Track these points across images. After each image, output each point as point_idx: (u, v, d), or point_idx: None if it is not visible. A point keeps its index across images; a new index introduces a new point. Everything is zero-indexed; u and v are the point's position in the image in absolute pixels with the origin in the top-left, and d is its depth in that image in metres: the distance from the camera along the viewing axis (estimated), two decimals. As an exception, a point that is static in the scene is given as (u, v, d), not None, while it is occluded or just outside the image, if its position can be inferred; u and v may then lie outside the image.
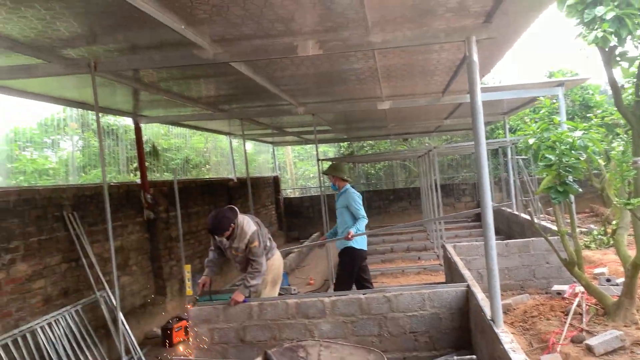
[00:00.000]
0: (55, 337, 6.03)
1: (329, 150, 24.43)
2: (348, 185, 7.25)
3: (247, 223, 5.83)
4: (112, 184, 8.03)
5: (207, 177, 12.99)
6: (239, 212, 5.88)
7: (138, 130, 8.91)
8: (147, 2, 3.38)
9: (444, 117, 12.28)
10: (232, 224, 5.68)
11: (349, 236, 6.82)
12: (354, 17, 3.99)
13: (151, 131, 10.64)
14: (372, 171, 21.16)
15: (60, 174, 8.76)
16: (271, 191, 18.12)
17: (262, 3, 3.58)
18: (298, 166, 26.11)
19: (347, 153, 21.32)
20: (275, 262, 6.18)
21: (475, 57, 4.15)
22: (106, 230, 7.54)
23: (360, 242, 7.05)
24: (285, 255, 11.17)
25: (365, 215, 7.05)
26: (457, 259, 7.22)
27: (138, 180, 8.90)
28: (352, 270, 7.04)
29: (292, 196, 21.13)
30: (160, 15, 3.56)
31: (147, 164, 9.27)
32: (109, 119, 9.66)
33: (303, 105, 8.64)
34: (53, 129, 8.74)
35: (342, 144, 21.56)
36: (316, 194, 19.55)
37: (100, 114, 9.56)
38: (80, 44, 4.39)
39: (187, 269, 7.89)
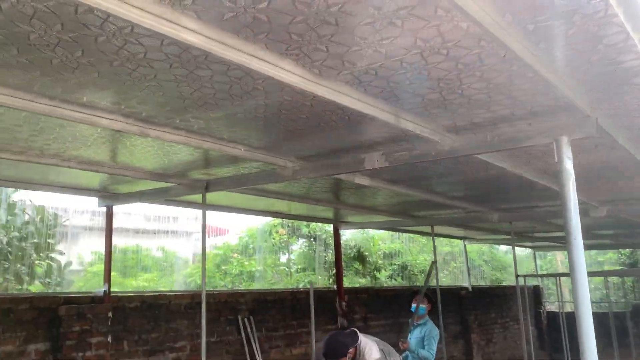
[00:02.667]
0: None
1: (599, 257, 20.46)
2: (428, 317, 6.33)
3: (369, 350, 5.22)
4: (299, 289, 8.30)
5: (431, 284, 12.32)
6: (361, 336, 5.33)
7: (337, 236, 9.13)
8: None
9: None
10: (349, 351, 5.16)
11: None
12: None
13: (362, 236, 10.80)
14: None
15: (266, 276, 9.52)
16: (530, 302, 16.07)
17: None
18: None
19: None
20: None
21: (568, 164, 3.09)
22: (289, 336, 7.80)
23: None
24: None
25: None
26: None
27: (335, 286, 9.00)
28: None
29: (559, 310, 18.27)
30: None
31: (351, 268, 9.37)
32: (317, 226, 10.20)
33: (497, 212, 7.65)
34: (263, 235, 9.69)
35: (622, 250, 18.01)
36: (600, 310, 16.48)
37: (305, 222, 10.21)
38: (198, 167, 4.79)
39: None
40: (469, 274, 12.62)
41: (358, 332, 5.33)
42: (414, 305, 6.33)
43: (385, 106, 3.15)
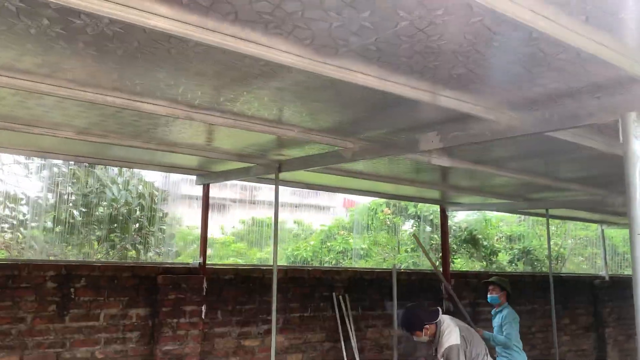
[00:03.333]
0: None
1: None
2: (507, 304, 6.31)
3: (449, 333, 4.94)
4: (400, 270, 8.14)
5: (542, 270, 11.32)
6: (444, 317, 5.06)
7: (443, 217, 8.76)
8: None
9: None
10: (425, 326, 4.95)
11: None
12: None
13: (475, 218, 10.19)
14: None
15: (371, 255, 9.43)
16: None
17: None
18: None
19: None
20: None
21: (636, 145, 2.62)
22: (386, 317, 7.72)
23: None
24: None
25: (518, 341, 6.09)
26: None
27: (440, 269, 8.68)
28: None
29: None
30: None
31: (464, 252, 8.97)
32: (425, 206, 9.83)
33: (621, 195, 6.75)
34: (369, 213, 9.58)
35: None
36: None
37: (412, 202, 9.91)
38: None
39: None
40: (605, 262, 11.41)
41: (441, 312, 5.09)
42: (489, 295, 6.39)
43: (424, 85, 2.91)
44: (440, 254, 8.69)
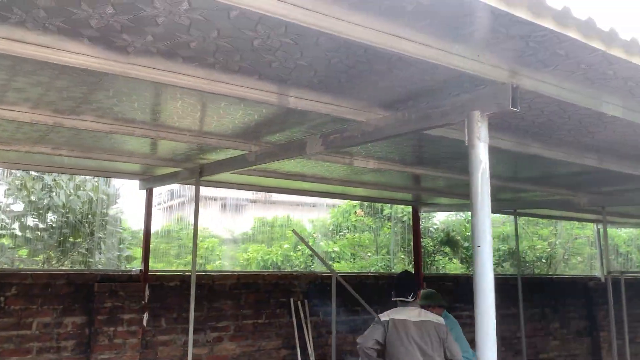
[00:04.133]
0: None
1: None
2: (445, 313, 5.86)
3: (391, 311, 4.88)
4: (366, 274, 7.90)
5: (541, 273, 10.86)
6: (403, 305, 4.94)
7: (416, 218, 8.48)
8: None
9: None
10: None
11: None
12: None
13: (455, 219, 9.83)
14: None
15: (344, 257, 9.18)
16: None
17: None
18: None
19: None
20: None
21: (479, 148, 2.37)
22: (350, 322, 7.49)
23: None
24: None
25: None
26: None
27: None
28: None
29: None
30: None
31: (444, 254, 8.68)
32: (400, 208, 9.53)
33: (586, 195, 6.40)
34: (344, 215, 9.33)
35: None
36: None
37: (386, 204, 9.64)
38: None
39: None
40: (601, 263, 10.94)
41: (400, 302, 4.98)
42: None
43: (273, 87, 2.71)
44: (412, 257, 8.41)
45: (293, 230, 5.82)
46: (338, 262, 9.46)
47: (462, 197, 7.40)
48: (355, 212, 9.91)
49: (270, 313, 6.92)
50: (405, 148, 4.35)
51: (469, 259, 9.93)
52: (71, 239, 7.08)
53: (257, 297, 6.85)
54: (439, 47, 2.20)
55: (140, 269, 6.09)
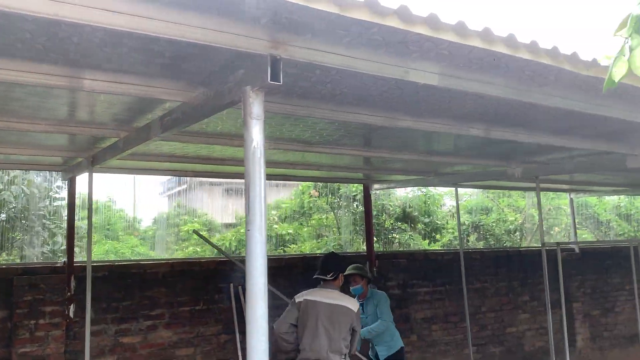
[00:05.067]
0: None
1: None
2: (371, 287, 6.16)
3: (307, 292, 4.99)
4: (314, 254, 7.78)
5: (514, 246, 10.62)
6: (323, 286, 5.04)
7: (367, 196, 8.32)
8: None
9: None
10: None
11: None
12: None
13: (414, 195, 9.62)
14: None
15: (298, 240, 9.05)
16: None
17: None
18: None
19: None
20: None
21: (252, 126, 2.21)
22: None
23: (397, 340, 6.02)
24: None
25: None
26: None
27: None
28: None
29: None
30: None
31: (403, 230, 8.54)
32: (355, 186, 9.35)
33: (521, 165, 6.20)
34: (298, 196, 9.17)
35: None
36: None
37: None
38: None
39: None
40: (575, 233, 10.71)
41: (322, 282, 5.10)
42: (351, 288, 5.95)
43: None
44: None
45: (194, 231, 5.78)
46: (293, 244, 9.33)
47: (413, 173, 7.25)
48: (310, 194, 9.77)
49: (208, 299, 6.85)
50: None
51: (430, 235, 9.80)
52: (9, 234, 7.07)
53: (194, 284, 6.78)
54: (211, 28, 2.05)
55: (64, 261, 6.03)
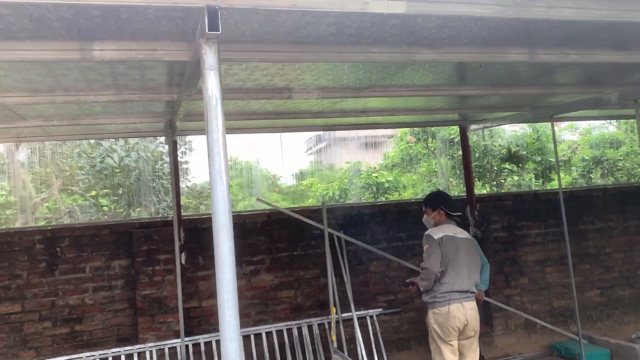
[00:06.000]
0: (288, 344, 6.88)
1: None
2: None
3: (438, 229, 5.26)
4: (410, 200, 7.79)
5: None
6: (450, 222, 5.37)
7: (464, 138, 8.05)
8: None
9: None
10: (427, 208, 5.52)
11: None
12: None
13: (523, 133, 8.92)
14: None
15: (398, 187, 8.97)
16: None
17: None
18: None
19: None
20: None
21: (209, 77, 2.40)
22: (395, 249, 7.55)
23: None
24: None
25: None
26: None
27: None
28: None
29: None
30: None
31: (508, 170, 8.21)
32: (452, 129, 8.93)
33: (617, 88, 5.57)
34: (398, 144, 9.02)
35: None
36: None
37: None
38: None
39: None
40: (558, 172, 9.30)
41: (445, 213, 5.40)
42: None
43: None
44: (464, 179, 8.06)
45: (258, 199, 6.14)
46: (395, 193, 9.31)
47: (511, 109, 6.89)
48: (407, 140, 9.61)
49: (305, 245, 7.25)
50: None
51: (544, 174, 9.10)
52: (134, 194, 8.10)
53: (290, 232, 7.21)
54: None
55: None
